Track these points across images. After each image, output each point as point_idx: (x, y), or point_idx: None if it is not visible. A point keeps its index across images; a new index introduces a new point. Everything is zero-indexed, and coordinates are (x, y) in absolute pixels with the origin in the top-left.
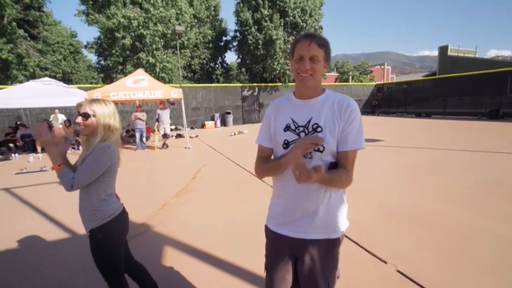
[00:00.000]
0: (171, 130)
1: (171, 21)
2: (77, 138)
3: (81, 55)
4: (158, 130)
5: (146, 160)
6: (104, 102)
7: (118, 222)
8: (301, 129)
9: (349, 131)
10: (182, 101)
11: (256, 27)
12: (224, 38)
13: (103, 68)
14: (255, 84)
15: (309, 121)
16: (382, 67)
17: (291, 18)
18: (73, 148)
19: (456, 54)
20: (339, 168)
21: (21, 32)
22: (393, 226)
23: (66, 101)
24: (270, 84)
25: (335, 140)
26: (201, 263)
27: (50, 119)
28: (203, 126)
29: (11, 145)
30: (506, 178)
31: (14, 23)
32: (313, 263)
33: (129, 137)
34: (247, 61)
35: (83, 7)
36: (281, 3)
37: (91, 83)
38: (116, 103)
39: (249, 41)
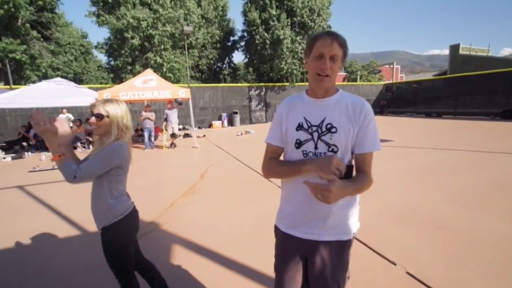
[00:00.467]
0: (179, 129)
1: (180, 21)
2: (88, 137)
3: (92, 56)
4: (166, 130)
5: (155, 159)
6: (117, 102)
7: (129, 220)
8: (314, 128)
9: (365, 134)
10: (190, 101)
11: (263, 27)
12: (231, 38)
13: (113, 69)
14: (262, 84)
15: (322, 121)
16: (391, 66)
17: (299, 17)
18: (84, 147)
19: (468, 53)
20: (357, 171)
21: (34, 33)
22: (402, 228)
23: (77, 101)
24: (277, 84)
25: (348, 141)
26: (208, 262)
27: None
28: (210, 125)
29: (24, 143)
30: None
31: (27, 25)
32: (324, 264)
33: (138, 136)
34: (255, 61)
35: (93, 8)
36: (289, 3)
37: (101, 83)
38: (125, 103)
39: (257, 41)
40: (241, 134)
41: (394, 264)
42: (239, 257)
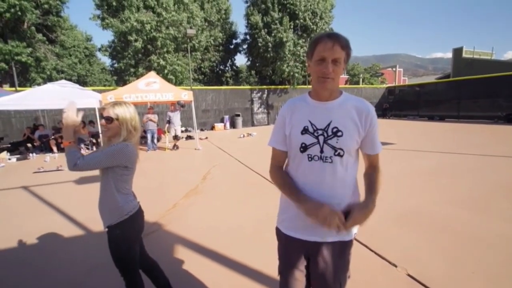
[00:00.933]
0: (182, 131)
1: (183, 24)
2: (91, 139)
3: (96, 58)
4: (169, 132)
5: (157, 161)
6: (126, 105)
7: (134, 220)
8: (320, 132)
9: (374, 136)
10: (193, 103)
11: (266, 30)
12: (234, 41)
13: (116, 71)
14: (264, 86)
15: (328, 124)
16: (394, 69)
17: (302, 20)
18: (87, 149)
19: (471, 56)
20: (370, 169)
21: (39, 36)
22: (403, 230)
23: (81, 103)
24: (279, 86)
25: (354, 144)
26: (210, 262)
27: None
28: (212, 128)
29: (29, 145)
30: None
31: (33, 28)
32: (327, 264)
33: (140, 138)
34: (257, 64)
35: (98, 12)
36: (292, 6)
37: (104, 85)
38: None
39: (259, 44)
40: (243, 136)
41: (395, 266)
42: (240, 258)
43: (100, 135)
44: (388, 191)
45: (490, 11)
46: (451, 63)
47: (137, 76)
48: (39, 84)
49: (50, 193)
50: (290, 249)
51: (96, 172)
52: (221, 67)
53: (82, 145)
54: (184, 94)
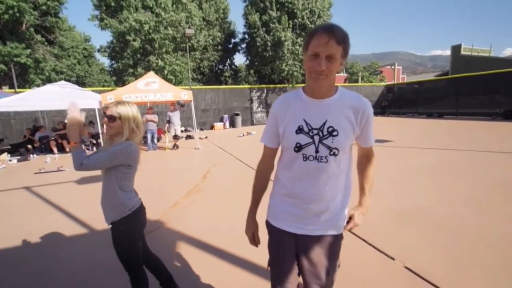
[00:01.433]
0: (181, 131)
1: (181, 24)
2: (91, 139)
3: (94, 59)
4: (169, 132)
5: (158, 160)
6: (129, 105)
7: (137, 215)
8: (315, 131)
9: (368, 132)
10: (192, 103)
11: (264, 29)
12: (232, 40)
13: (115, 71)
14: (263, 85)
15: (324, 124)
16: (393, 67)
17: (300, 19)
18: (87, 149)
19: (470, 53)
20: (363, 158)
21: (38, 37)
22: (402, 226)
23: (81, 104)
24: (278, 85)
25: (350, 141)
26: (211, 259)
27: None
28: (212, 127)
29: (29, 146)
30: None
31: (32, 29)
32: (317, 257)
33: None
34: (256, 63)
35: (96, 12)
36: (290, 5)
37: (103, 86)
38: None
39: (258, 43)
40: (243, 135)
41: (393, 259)
42: (240, 255)
43: (100, 135)
44: (387, 188)
45: (489, 8)
46: (450, 60)
47: (136, 76)
48: (38, 86)
49: (52, 193)
50: (280, 242)
51: (97, 172)
52: (220, 66)
53: (83, 146)
54: (184, 94)
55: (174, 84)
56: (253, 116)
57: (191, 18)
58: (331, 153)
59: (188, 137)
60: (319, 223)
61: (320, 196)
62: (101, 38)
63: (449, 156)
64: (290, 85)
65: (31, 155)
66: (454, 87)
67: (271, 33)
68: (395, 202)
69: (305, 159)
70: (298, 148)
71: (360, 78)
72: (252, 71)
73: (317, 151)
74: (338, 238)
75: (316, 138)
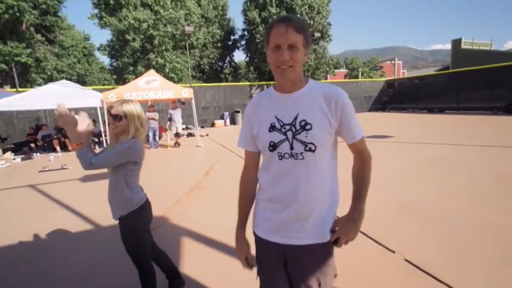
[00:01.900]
0: (183, 129)
1: (180, 21)
2: (94, 138)
3: (94, 58)
4: (170, 129)
5: (160, 158)
6: (133, 103)
7: (143, 210)
8: (287, 127)
9: (350, 124)
10: (193, 101)
11: (263, 25)
12: (232, 37)
13: (116, 70)
14: (263, 82)
15: (295, 118)
16: (393, 62)
17: (299, 15)
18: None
19: (471, 47)
20: (356, 159)
21: (38, 36)
22: (402, 220)
23: (83, 103)
24: None
25: (329, 136)
26: (214, 254)
27: None
28: (213, 125)
29: (32, 145)
30: None
31: (32, 28)
32: (304, 267)
33: None
34: (255, 60)
35: (96, 11)
36: (289, 1)
37: (103, 84)
38: None
39: (257, 40)
40: None
41: (393, 252)
42: None
43: (102, 134)
44: (387, 182)
45: (490, 1)
46: (450, 54)
47: (136, 74)
48: (39, 85)
49: (56, 191)
50: (266, 253)
51: (100, 170)
52: (219, 64)
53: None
54: (185, 92)
55: (175, 82)
56: None
57: (190, 15)
58: (307, 148)
59: (189, 134)
60: (304, 230)
61: (299, 197)
62: (101, 36)
63: (450, 151)
64: None
65: (35, 154)
66: (455, 82)
67: None
68: (395, 196)
69: (280, 157)
70: (273, 147)
71: (360, 73)
72: (252, 68)
73: (292, 148)
74: (327, 247)
75: (289, 134)
